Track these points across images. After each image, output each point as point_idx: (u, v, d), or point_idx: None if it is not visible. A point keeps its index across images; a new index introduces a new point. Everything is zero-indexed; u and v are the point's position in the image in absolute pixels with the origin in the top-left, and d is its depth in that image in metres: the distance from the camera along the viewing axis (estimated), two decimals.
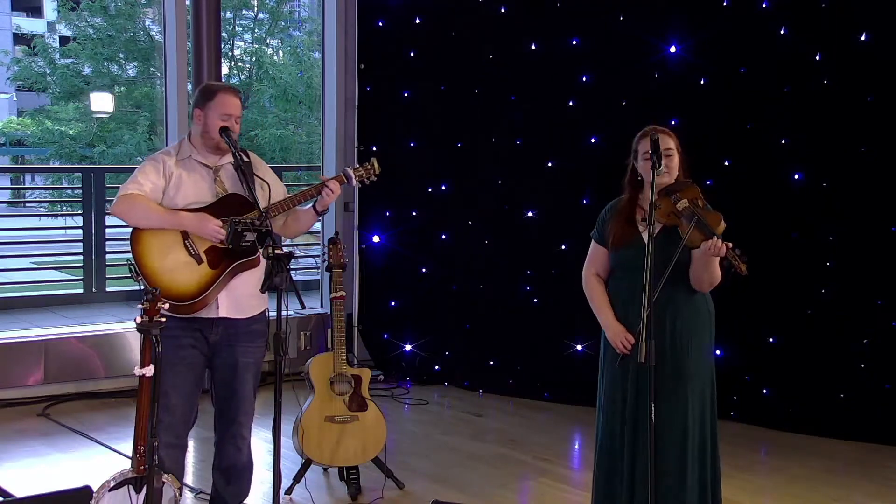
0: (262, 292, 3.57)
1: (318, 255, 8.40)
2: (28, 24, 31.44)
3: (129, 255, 3.87)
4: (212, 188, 3.96)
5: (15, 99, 30.51)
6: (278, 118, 21.41)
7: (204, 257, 3.89)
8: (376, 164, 4.26)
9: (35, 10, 34.87)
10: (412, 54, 7.26)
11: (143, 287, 3.68)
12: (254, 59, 23.02)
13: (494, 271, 7.09)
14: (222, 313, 3.94)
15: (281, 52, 24.28)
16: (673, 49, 6.44)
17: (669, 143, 3.84)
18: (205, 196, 3.95)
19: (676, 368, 3.77)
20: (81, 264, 9.00)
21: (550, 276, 6.85)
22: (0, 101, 28.08)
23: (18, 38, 30.18)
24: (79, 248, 8.97)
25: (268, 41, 23.77)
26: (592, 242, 4.02)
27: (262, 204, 3.90)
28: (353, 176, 4.22)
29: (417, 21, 7.24)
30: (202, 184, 3.96)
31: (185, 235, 3.89)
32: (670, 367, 3.74)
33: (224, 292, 3.92)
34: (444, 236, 7.27)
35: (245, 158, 3.98)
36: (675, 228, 3.72)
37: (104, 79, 22.71)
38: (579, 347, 6.73)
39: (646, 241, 3.65)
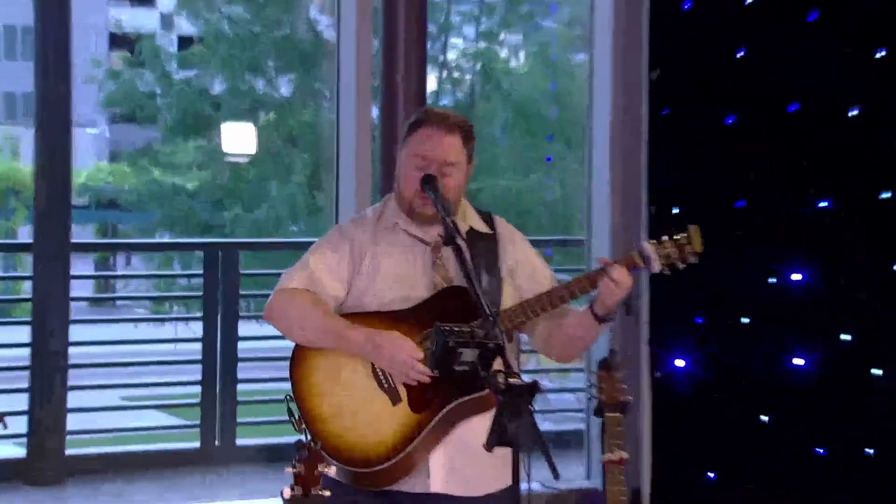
0: (488, 449, 3.58)
1: (580, 390, 8.41)
2: (132, 20, 32.80)
3: (288, 386, 3.99)
4: (428, 276, 4.08)
5: (107, 135, 32.10)
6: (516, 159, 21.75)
7: (403, 393, 3.97)
8: (698, 238, 4.19)
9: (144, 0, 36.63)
10: (740, 55, 7.26)
11: (304, 439, 3.75)
12: (478, 65, 23.52)
13: (890, 418, 6.89)
14: (436, 487, 4.02)
15: (522, 54, 24.67)
16: None
17: None
18: (416, 288, 4.06)
19: None
20: (198, 400, 9.28)
21: None
22: (84, 137, 28.90)
23: (117, 40, 31.80)
24: (196, 373, 9.26)
25: (501, 37, 24.21)
26: None
27: (507, 302, 4.00)
28: (656, 257, 4.17)
29: (748, 1, 7.23)
30: (412, 268, 4.09)
31: None
32: None
33: (440, 452, 3.99)
34: (800, 360, 7.14)
35: (487, 230, 4.10)
36: None
37: (243, 100, 23.56)
38: None
39: None
